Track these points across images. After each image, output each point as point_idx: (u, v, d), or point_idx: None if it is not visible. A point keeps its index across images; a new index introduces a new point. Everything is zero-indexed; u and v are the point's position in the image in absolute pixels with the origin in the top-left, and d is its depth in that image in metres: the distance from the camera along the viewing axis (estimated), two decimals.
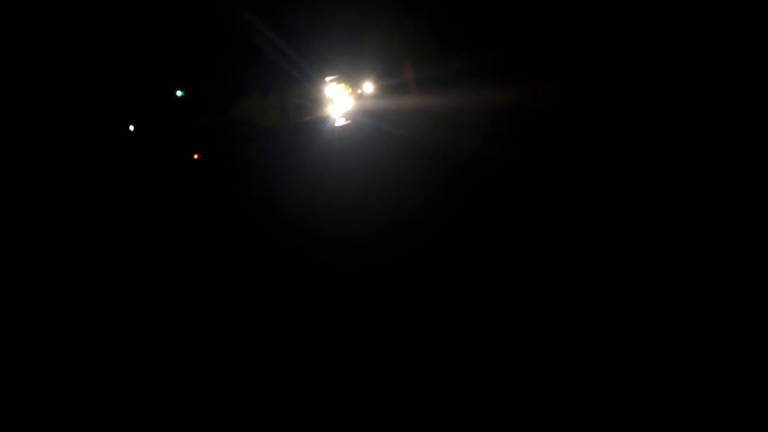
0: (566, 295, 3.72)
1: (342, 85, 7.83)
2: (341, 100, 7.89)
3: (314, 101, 7.89)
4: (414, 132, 7.35)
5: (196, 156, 8.23)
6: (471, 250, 4.87)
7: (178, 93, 8.08)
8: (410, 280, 4.45)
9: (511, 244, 4.77)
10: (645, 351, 3.04)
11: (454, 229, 5.41)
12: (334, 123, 7.95)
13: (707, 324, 3.19)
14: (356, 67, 7.84)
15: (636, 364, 2.97)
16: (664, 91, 6.22)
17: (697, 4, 6.15)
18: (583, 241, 4.45)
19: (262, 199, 7.53)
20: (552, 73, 7.04)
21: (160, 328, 4.27)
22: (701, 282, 3.55)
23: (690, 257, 3.82)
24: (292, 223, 6.68)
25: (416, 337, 3.51)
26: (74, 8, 7.73)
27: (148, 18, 7.93)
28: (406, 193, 6.66)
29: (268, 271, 5.28)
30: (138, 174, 8.04)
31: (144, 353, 3.69)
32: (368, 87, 7.87)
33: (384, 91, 7.85)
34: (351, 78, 7.83)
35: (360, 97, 7.88)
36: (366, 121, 7.81)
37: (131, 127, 8.22)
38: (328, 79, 7.80)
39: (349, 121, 7.92)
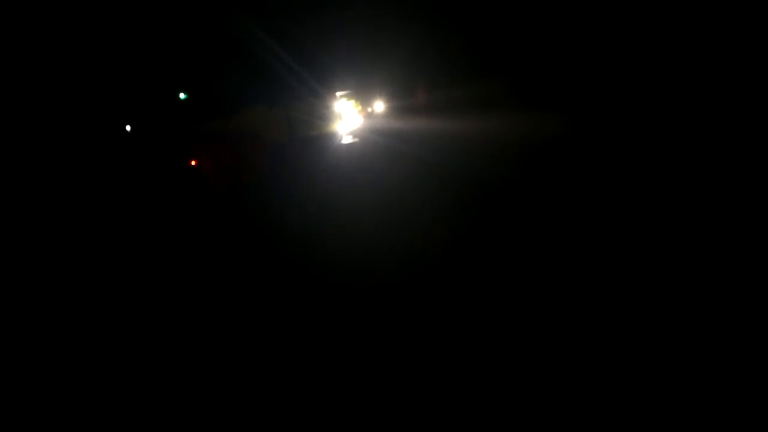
0: (573, 311, 3.71)
1: (352, 102, 7.62)
2: (350, 117, 7.67)
3: (322, 116, 7.66)
4: (423, 152, 7.19)
5: (193, 162, 7.90)
6: (478, 268, 4.78)
7: (181, 96, 7.80)
8: (418, 298, 4.35)
9: (521, 263, 4.71)
10: (650, 365, 3.04)
11: (462, 250, 5.32)
12: (341, 140, 7.72)
13: (711, 330, 3.21)
14: (368, 85, 7.66)
15: (641, 375, 2.96)
16: (677, 121, 6.23)
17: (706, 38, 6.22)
18: (592, 260, 4.47)
19: (259, 212, 7.27)
20: (567, 103, 6.99)
21: (149, 333, 4.05)
22: (704, 298, 3.56)
23: (692, 279, 3.85)
24: (289, 239, 6.52)
25: (424, 356, 3.43)
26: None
27: (157, 18, 7.73)
28: (412, 212, 6.53)
29: (261, 287, 5.10)
30: (130, 175, 7.71)
31: (133, 356, 3.50)
32: (379, 106, 7.67)
33: (395, 111, 7.66)
34: (362, 95, 7.64)
35: (370, 115, 7.67)
36: (374, 140, 7.59)
37: (128, 127, 7.89)
38: (338, 94, 7.59)
39: (356, 139, 7.69)
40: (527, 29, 7.48)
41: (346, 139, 7.68)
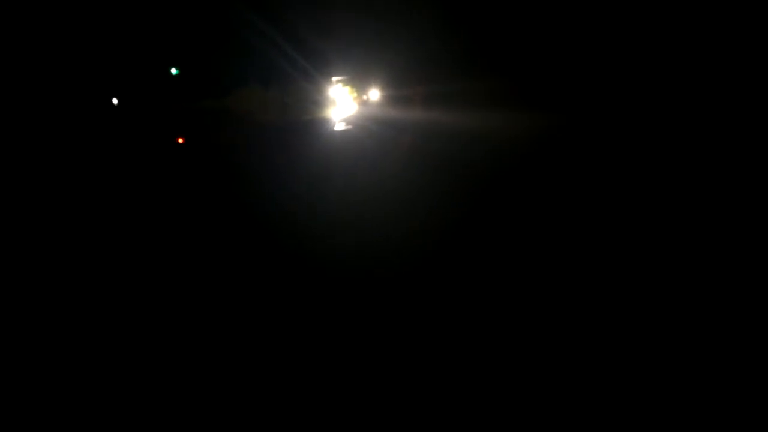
0: (566, 305, 3.70)
1: (348, 88, 7.52)
2: (345, 104, 7.57)
3: (316, 101, 7.54)
4: (417, 143, 7.14)
5: (180, 140, 7.71)
6: (472, 258, 4.77)
7: (173, 71, 7.60)
8: (412, 288, 4.28)
9: (514, 254, 4.71)
10: (650, 364, 3.00)
11: (456, 240, 5.31)
12: (334, 126, 7.60)
13: (711, 330, 3.19)
14: (366, 72, 7.57)
15: (641, 375, 2.92)
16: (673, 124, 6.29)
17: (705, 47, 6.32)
18: (587, 250, 4.49)
19: (247, 194, 7.12)
20: (565, 104, 7.02)
21: (133, 317, 3.92)
22: (703, 298, 3.55)
23: (684, 276, 3.87)
24: (277, 223, 6.41)
25: (420, 345, 3.36)
26: None
27: None
28: (405, 203, 6.46)
29: (249, 272, 4.98)
30: (115, 149, 7.48)
31: (116, 339, 3.40)
32: (374, 94, 7.59)
33: (390, 100, 7.58)
34: (358, 82, 7.55)
35: (365, 103, 7.58)
36: (368, 128, 7.50)
37: (114, 100, 7.66)
38: (335, 79, 7.48)
39: (350, 126, 7.58)
40: (529, 28, 7.52)
41: (340, 126, 7.58)
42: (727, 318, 3.30)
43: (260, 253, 5.56)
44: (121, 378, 2.93)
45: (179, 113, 7.64)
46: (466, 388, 2.91)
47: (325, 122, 7.62)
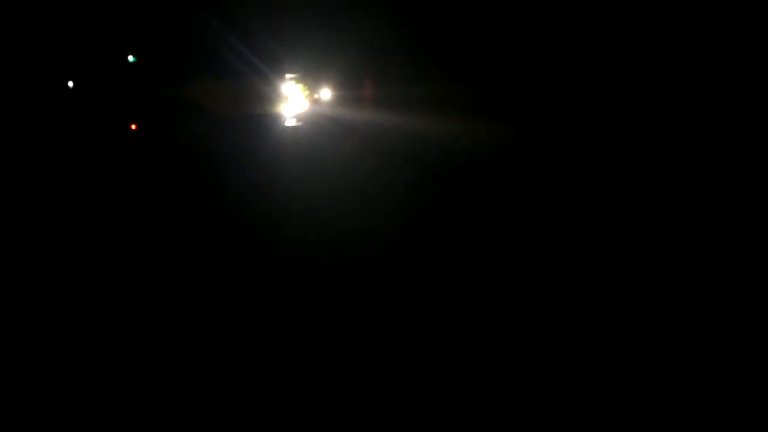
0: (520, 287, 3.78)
1: (300, 86, 7.66)
2: (296, 101, 7.71)
3: (269, 96, 7.68)
4: (365, 141, 7.27)
5: (133, 126, 7.81)
6: (424, 247, 4.81)
7: (130, 58, 7.73)
8: (365, 277, 4.27)
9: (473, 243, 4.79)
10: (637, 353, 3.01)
11: (405, 229, 5.34)
12: (284, 122, 7.73)
13: (707, 325, 3.21)
14: (319, 71, 7.72)
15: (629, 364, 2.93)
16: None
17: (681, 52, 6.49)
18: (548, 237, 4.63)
19: (197, 181, 7.20)
20: (514, 113, 7.16)
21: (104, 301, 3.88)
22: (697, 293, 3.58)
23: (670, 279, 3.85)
24: (228, 209, 6.45)
25: (380, 343, 3.33)
26: None
27: None
28: (354, 195, 6.52)
29: (197, 258, 4.83)
30: (68, 132, 7.58)
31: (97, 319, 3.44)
32: (326, 93, 7.73)
33: (341, 100, 7.73)
34: (311, 80, 7.69)
35: (316, 101, 7.72)
36: (317, 126, 7.64)
37: (70, 83, 7.77)
38: (287, 76, 7.63)
39: (300, 123, 7.71)
40: (485, 37, 7.69)
41: (290, 122, 7.70)
42: (717, 315, 3.31)
43: (209, 236, 5.51)
44: (101, 374, 2.94)
45: (133, 100, 7.76)
46: (444, 379, 2.93)
47: (276, 117, 7.75)
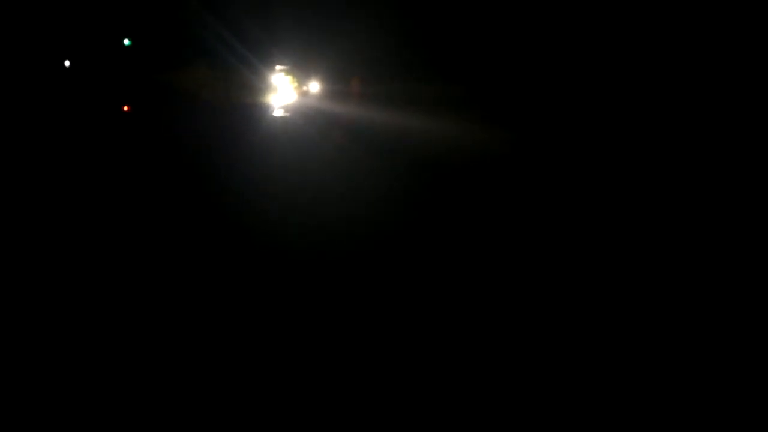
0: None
1: (290, 78, 7.83)
2: (285, 92, 7.88)
3: (258, 87, 7.85)
4: (350, 136, 7.42)
5: (126, 108, 8.01)
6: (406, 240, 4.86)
7: (126, 41, 7.92)
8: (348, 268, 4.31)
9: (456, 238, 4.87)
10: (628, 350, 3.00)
11: (380, 231, 5.37)
12: (272, 112, 7.91)
13: (705, 323, 3.19)
14: (309, 64, 7.88)
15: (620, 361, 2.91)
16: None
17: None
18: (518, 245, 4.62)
19: (186, 166, 7.36)
20: (509, 114, 7.27)
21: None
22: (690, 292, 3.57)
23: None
24: (217, 194, 6.56)
25: (358, 338, 3.35)
26: None
27: None
28: (327, 193, 6.62)
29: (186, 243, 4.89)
30: (63, 110, 7.77)
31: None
32: (315, 86, 7.90)
33: (329, 94, 7.89)
34: (301, 73, 7.85)
35: (304, 94, 7.89)
36: (303, 118, 7.81)
37: (66, 63, 7.97)
38: (277, 67, 7.79)
39: (287, 114, 7.89)
40: (477, 37, 7.80)
41: (278, 113, 7.88)
42: (715, 314, 3.30)
43: (195, 220, 5.52)
44: (95, 370, 2.89)
45: (127, 82, 7.95)
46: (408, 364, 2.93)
47: (264, 107, 7.92)
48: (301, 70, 7.82)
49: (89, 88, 7.92)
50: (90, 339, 3.18)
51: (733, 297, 3.50)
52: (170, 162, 7.59)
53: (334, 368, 2.93)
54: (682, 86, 6.49)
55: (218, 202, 6.49)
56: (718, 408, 2.56)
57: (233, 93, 7.83)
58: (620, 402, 2.61)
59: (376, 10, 7.87)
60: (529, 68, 7.50)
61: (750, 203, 4.92)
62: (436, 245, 4.86)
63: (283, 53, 7.76)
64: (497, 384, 2.77)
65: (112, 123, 7.89)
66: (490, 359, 2.97)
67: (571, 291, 3.73)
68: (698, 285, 3.71)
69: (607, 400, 2.62)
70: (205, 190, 6.84)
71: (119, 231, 5.06)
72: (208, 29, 7.52)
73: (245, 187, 6.93)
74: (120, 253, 4.53)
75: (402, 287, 3.95)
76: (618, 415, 2.55)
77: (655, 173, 5.88)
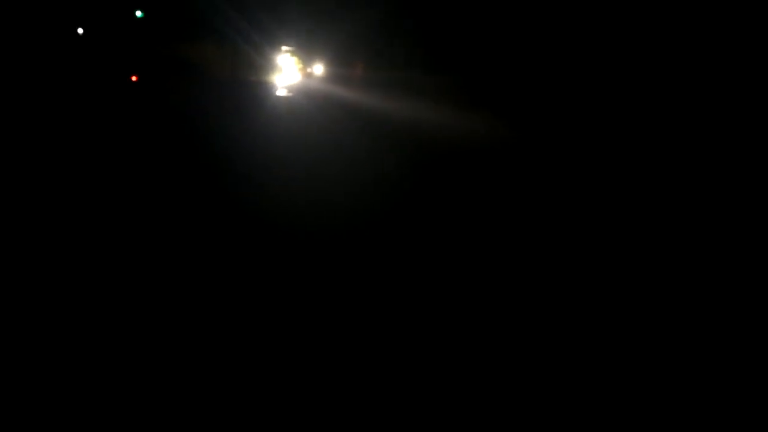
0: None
1: (295, 59, 8.09)
2: (289, 73, 8.14)
3: (264, 65, 8.11)
4: (351, 117, 7.66)
5: (134, 78, 8.26)
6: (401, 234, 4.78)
7: (138, 13, 8.17)
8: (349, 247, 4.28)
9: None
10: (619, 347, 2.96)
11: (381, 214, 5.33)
12: (275, 91, 8.17)
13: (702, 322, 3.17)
14: (315, 47, 8.15)
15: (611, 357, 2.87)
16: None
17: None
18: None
19: (190, 136, 7.56)
20: (504, 108, 7.47)
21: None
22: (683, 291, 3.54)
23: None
24: (218, 164, 6.66)
25: (355, 322, 3.30)
26: None
27: None
28: (326, 169, 6.76)
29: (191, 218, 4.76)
30: (75, 76, 8.00)
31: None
32: (319, 69, 8.16)
33: (333, 77, 8.15)
34: (306, 55, 8.12)
35: (308, 75, 8.15)
36: (306, 97, 8.07)
37: (80, 30, 8.22)
38: (284, 48, 8.05)
39: (290, 94, 8.15)
40: (482, 31, 8.00)
41: (281, 92, 8.13)
42: (712, 312, 3.25)
43: (201, 192, 5.43)
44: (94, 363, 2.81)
45: (137, 52, 8.20)
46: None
47: (269, 86, 8.18)
48: (306, 52, 8.09)
49: (100, 55, 8.16)
50: (86, 316, 3.18)
51: (730, 292, 3.49)
52: (174, 133, 7.80)
53: (327, 358, 2.95)
54: (675, 79, 6.49)
55: (220, 173, 6.59)
56: (717, 407, 2.52)
57: (240, 70, 8.08)
58: (617, 399, 2.57)
59: (382, 1, 8.13)
60: (528, 62, 7.70)
61: (748, 200, 4.91)
62: (427, 225, 4.92)
63: (290, 35, 8.03)
64: (485, 375, 2.80)
65: (120, 91, 8.12)
66: (480, 352, 2.99)
67: (560, 282, 3.78)
68: (693, 280, 3.70)
69: (601, 395, 2.59)
70: (208, 162, 6.99)
71: (121, 202, 5.03)
72: (218, 7, 7.77)
73: (247, 161, 7.09)
74: (121, 223, 4.49)
75: (396, 264, 3.95)
76: (616, 413, 2.50)
77: (648, 166, 5.96)
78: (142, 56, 8.22)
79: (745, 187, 5.23)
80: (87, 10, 8.19)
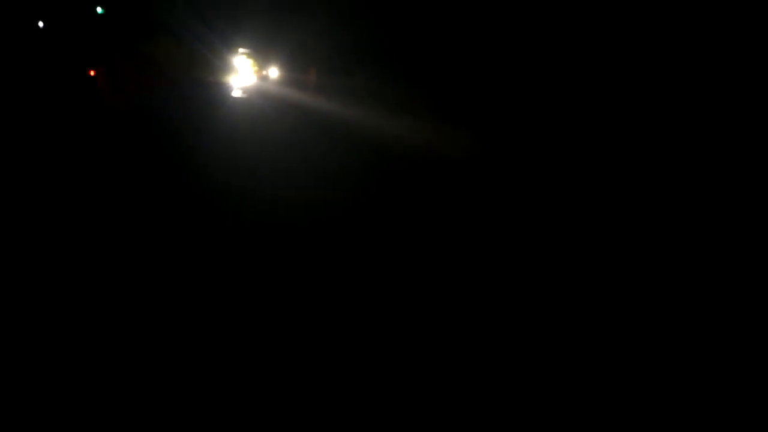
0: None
1: (251, 61, 8.33)
2: (245, 74, 8.38)
3: (220, 65, 8.33)
4: (301, 120, 7.91)
5: (92, 72, 8.42)
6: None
7: (99, 10, 8.34)
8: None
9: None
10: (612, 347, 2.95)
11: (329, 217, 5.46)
12: (230, 92, 8.40)
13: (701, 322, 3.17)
14: (271, 50, 8.38)
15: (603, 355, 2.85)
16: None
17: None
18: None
19: (145, 132, 7.75)
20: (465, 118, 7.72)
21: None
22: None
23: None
24: (174, 156, 6.87)
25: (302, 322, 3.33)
26: None
27: None
28: (278, 172, 6.97)
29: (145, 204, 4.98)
30: (34, 68, 8.14)
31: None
32: (273, 72, 8.40)
33: (287, 81, 8.40)
34: (262, 58, 8.36)
35: (263, 78, 8.39)
36: (260, 100, 8.31)
37: (40, 23, 8.36)
38: (240, 50, 8.28)
39: (245, 95, 8.39)
40: (438, 39, 8.22)
41: (236, 93, 8.37)
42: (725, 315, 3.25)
43: (154, 186, 5.64)
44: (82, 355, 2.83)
45: (96, 48, 8.37)
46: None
47: (224, 86, 8.41)
48: (261, 55, 8.32)
49: (59, 50, 8.31)
50: (79, 304, 3.20)
51: (730, 293, 3.47)
52: (130, 128, 8.00)
53: (315, 349, 2.95)
54: (669, 76, 6.36)
55: (178, 169, 6.76)
56: (717, 406, 2.50)
57: (197, 69, 8.30)
58: (615, 398, 2.55)
59: (338, 7, 8.38)
60: (485, 70, 7.90)
61: (749, 202, 4.86)
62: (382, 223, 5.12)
63: (246, 37, 8.25)
64: (476, 369, 2.78)
65: (78, 85, 8.29)
66: (471, 348, 3.00)
67: (547, 279, 3.81)
68: (692, 281, 3.66)
69: (598, 394, 2.56)
70: (165, 158, 7.17)
71: (78, 199, 5.09)
72: (177, 7, 7.98)
73: (204, 158, 7.29)
74: (84, 222, 4.54)
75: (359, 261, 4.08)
76: (615, 412, 2.48)
77: (639, 166, 5.92)
78: (101, 51, 8.40)
79: (745, 188, 5.14)
80: (48, 3, 8.35)
